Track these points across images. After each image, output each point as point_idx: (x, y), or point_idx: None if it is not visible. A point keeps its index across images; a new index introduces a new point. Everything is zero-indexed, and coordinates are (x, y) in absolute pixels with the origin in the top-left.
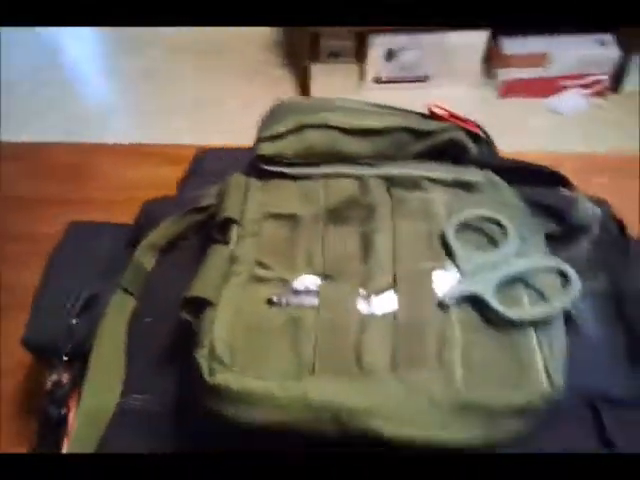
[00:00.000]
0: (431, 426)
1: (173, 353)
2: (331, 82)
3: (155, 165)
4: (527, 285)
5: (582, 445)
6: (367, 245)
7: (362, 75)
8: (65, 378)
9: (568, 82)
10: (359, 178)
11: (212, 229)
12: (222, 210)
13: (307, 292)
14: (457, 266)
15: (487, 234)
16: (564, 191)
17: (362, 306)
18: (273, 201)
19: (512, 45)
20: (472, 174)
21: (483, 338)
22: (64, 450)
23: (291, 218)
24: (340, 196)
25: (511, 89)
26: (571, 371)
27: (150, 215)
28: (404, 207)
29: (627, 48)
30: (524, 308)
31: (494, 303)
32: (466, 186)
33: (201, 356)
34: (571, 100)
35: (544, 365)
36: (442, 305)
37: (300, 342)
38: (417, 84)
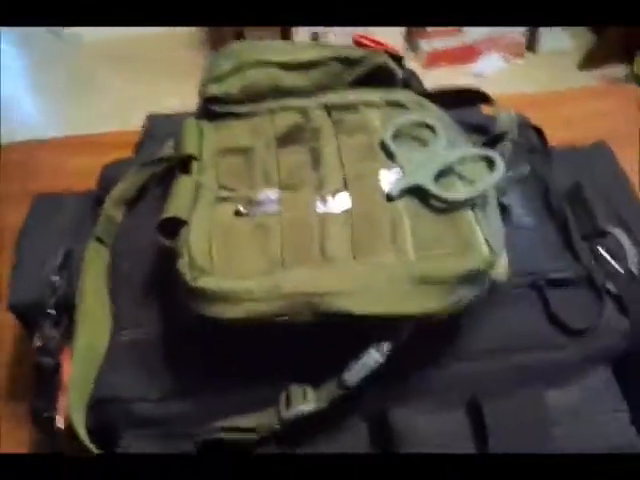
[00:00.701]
0: (393, 300)
1: (153, 285)
2: None
3: (103, 153)
4: (459, 174)
5: (530, 321)
6: (316, 158)
7: None
8: (54, 332)
9: (486, 46)
10: (302, 109)
11: (175, 168)
12: (182, 149)
13: (269, 201)
14: (398, 165)
15: (419, 137)
16: (485, 108)
17: (320, 207)
18: (226, 139)
19: None
20: (401, 95)
21: (428, 220)
22: (60, 398)
23: (245, 150)
24: (286, 126)
25: (435, 59)
26: (515, 259)
27: (110, 176)
28: (344, 126)
29: None
30: (458, 191)
31: (433, 189)
32: (396, 105)
33: (183, 265)
34: (491, 62)
35: (484, 237)
36: (389, 197)
37: (268, 242)
38: None
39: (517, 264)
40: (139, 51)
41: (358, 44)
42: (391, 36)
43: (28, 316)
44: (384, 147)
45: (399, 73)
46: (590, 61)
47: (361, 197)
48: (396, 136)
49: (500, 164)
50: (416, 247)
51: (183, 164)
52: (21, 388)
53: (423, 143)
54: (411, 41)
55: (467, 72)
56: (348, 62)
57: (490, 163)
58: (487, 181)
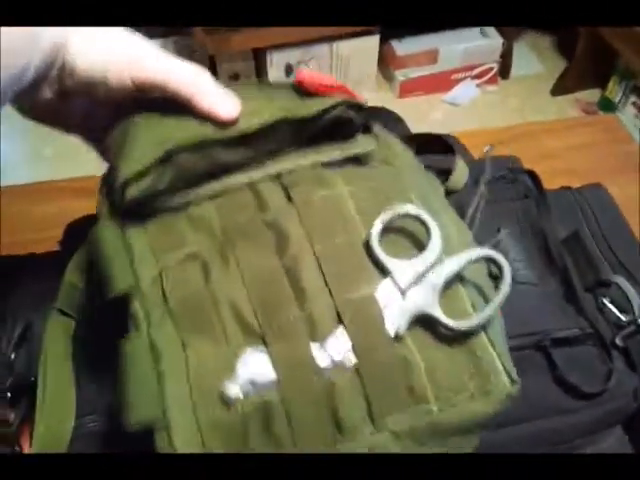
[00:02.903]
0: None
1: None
2: None
3: (69, 199)
4: (461, 279)
5: (539, 387)
6: (295, 283)
7: None
8: (11, 417)
9: (459, 75)
10: (252, 187)
11: (107, 310)
12: (111, 283)
13: (259, 369)
14: (394, 283)
15: (409, 233)
16: (457, 156)
17: (319, 356)
18: (164, 245)
19: (403, 46)
20: (362, 144)
21: (441, 355)
22: None
23: (193, 259)
24: (238, 218)
25: (409, 88)
26: (517, 319)
27: (74, 236)
28: (312, 215)
29: (508, 36)
30: (470, 315)
31: (443, 318)
32: (358, 160)
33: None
34: (464, 91)
35: (502, 364)
36: (397, 337)
37: (274, 427)
38: None
39: (519, 324)
40: None
41: (301, 87)
42: (366, 68)
43: None
44: (370, 253)
45: (357, 118)
46: (562, 86)
47: (361, 338)
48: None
49: (507, 268)
50: (436, 394)
51: (119, 303)
52: None
53: (414, 240)
54: (384, 71)
55: (441, 101)
56: (301, 122)
57: (494, 263)
58: (498, 297)
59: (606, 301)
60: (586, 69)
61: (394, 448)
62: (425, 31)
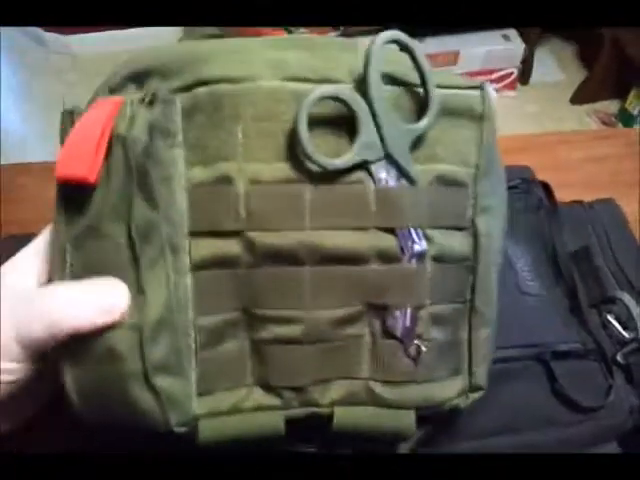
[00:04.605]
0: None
1: None
2: None
3: None
4: None
5: (536, 397)
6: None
7: None
8: None
9: (479, 78)
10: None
11: None
12: None
13: None
14: None
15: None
16: None
17: None
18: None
19: (424, 46)
20: None
21: None
22: None
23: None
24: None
25: None
26: (521, 329)
27: None
28: None
29: (530, 41)
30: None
31: None
32: None
33: None
34: None
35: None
36: None
37: None
38: None
39: (522, 334)
40: None
41: None
42: None
43: None
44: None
45: None
46: (582, 95)
47: None
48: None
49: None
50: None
51: None
52: None
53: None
54: None
55: None
56: None
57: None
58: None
59: (610, 317)
60: (607, 79)
61: None
62: (447, 32)
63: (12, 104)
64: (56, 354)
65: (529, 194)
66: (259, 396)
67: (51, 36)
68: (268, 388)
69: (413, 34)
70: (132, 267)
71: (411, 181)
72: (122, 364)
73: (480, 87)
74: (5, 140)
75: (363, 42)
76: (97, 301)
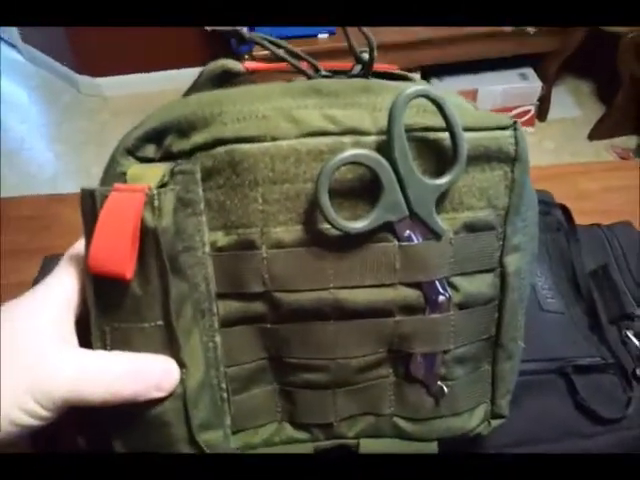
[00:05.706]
0: None
1: None
2: None
3: None
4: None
5: (559, 410)
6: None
7: None
8: None
9: None
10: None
11: None
12: None
13: None
14: None
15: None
16: None
17: None
18: None
19: (443, 85)
20: None
21: None
22: None
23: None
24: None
25: None
26: (543, 344)
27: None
28: None
29: (547, 80)
30: None
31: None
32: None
33: None
34: None
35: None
36: None
37: None
38: None
39: (544, 349)
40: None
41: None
42: None
43: None
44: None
45: None
46: (600, 131)
47: None
48: None
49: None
50: None
51: None
52: None
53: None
54: None
55: None
56: None
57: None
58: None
59: (629, 333)
60: (625, 116)
61: None
62: (465, 71)
63: (45, 143)
64: (100, 417)
65: (549, 215)
66: (289, 431)
67: (83, 78)
68: (297, 425)
69: (433, 74)
70: (171, 344)
71: (437, 236)
72: (169, 430)
73: (513, 127)
74: (40, 175)
75: (387, 84)
76: (152, 379)
